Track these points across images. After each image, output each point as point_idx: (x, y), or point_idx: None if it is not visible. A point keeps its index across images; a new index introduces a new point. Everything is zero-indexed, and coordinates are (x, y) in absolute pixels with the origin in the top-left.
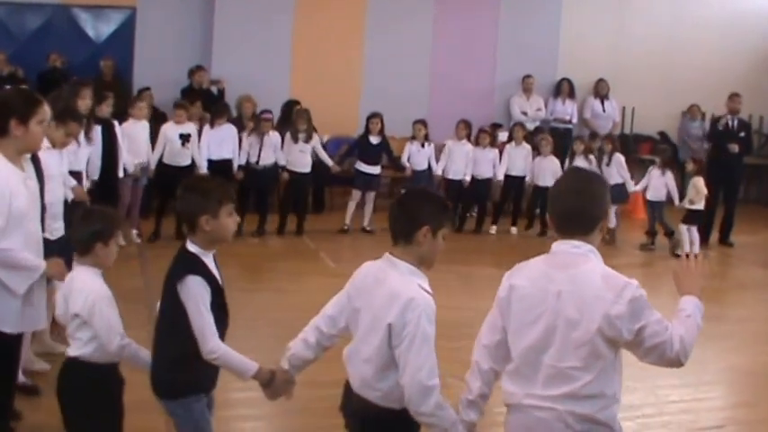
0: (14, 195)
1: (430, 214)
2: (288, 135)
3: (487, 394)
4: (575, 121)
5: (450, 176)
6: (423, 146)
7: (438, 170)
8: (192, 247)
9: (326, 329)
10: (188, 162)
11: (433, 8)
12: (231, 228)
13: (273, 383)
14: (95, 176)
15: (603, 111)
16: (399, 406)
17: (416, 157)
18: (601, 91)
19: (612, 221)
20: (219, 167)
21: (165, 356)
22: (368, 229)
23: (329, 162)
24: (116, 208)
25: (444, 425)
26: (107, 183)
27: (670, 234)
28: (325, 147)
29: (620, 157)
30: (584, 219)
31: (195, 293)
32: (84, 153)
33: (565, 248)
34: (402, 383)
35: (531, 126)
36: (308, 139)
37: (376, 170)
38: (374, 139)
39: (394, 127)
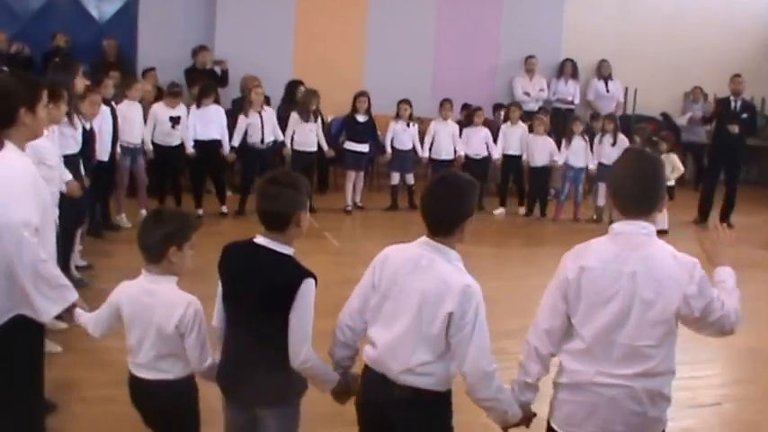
0: (42, 186)
1: (471, 205)
2: (295, 114)
3: (544, 376)
4: (577, 101)
5: (439, 157)
6: (408, 125)
7: (425, 152)
8: (279, 247)
9: (355, 324)
10: (178, 142)
11: None
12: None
13: (349, 388)
14: (104, 158)
15: (607, 91)
16: (445, 388)
17: (401, 136)
18: (603, 72)
19: (601, 200)
20: (207, 148)
21: (275, 364)
22: (359, 204)
23: (325, 146)
24: (114, 189)
25: (504, 407)
26: (105, 165)
27: None
28: (329, 127)
29: (624, 139)
30: (649, 200)
31: (311, 297)
32: (80, 135)
33: (632, 229)
34: (463, 372)
35: (533, 106)
36: (316, 119)
37: (364, 148)
38: (361, 118)
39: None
